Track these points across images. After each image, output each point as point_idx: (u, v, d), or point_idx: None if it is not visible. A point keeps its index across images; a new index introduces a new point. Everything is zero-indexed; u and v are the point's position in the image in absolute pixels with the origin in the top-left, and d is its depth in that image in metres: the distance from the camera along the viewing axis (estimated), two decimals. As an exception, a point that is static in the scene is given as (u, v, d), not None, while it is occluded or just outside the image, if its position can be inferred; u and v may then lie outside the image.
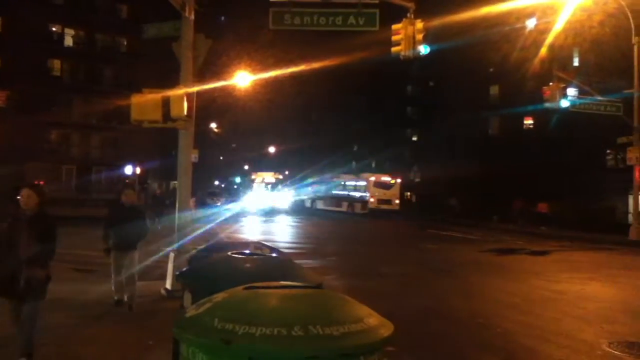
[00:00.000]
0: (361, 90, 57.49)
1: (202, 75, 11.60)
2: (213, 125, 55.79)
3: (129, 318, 7.46)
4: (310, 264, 12.98)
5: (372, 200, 41.22)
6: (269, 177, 48.03)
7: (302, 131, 69.85)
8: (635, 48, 22.95)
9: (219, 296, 2.36)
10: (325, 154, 59.33)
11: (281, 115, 65.61)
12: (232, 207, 40.31)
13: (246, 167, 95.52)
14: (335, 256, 15.77)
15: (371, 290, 10.16)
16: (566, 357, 6.35)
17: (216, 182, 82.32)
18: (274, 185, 47.06)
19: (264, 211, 40.74)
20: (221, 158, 76.57)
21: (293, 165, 64.34)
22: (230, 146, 73.82)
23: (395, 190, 42.79)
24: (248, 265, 3.48)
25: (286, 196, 47.97)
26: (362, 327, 2.18)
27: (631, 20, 22.73)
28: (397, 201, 42.49)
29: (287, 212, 42.14)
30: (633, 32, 22.93)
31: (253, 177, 49.11)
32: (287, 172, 58.30)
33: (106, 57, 45.02)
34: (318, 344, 2.04)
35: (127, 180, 38.64)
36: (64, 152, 44.00)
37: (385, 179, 43.10)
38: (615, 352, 6.44)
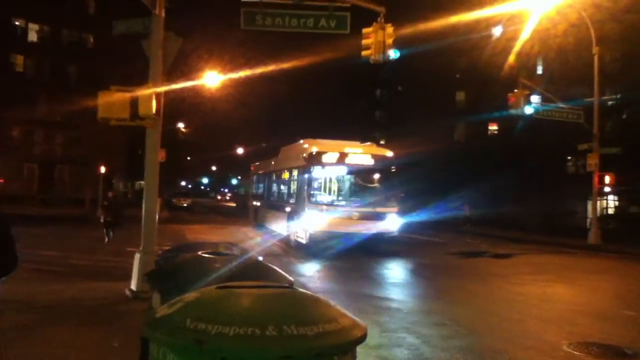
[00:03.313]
0: (331, 93, 57.76)
1: (171, 73, 11.46)
2: (181, 125, 55.09)
3: (92, 319, 7.29)
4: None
5: None
6: (359, 153, 18.26)
7: (270, 132, 69.68)
8: (596, 58, 23.69)
9: (191, 296, 2.32)
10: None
11: (250, 116, 65.35)
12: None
13: (214, 167, 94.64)
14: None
15: (341, 291, 10.22)
16: (529, 357, 6.48)
17: (183, 183, 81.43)
18: (371, 175, 18.56)
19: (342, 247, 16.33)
20: (188, 158, 75.70)
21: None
22: (198, 146, 72.97)
23: None
24: (219, 265, 3.44)
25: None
26: (335, 327, 2.18)
27: (592, 31, 23.45)
28: None
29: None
30: (594, 42, 23.66)
31: (313, 150, 17.74)
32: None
33: (72, 53, 44.03)
34: (292, 344, 2.03)
35: None
36: (26, 149, 42.84)
37: None
38: (575, 352, 6.62)
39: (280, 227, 20.08)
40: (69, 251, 14.14)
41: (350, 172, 18.05)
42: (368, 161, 17.84)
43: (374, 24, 12.97)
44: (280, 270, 3.66)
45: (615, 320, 8.86)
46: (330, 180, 18.40)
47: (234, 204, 58.36)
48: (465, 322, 8.20)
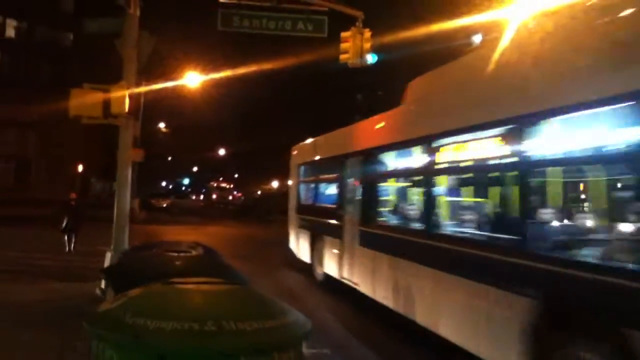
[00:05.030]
0: (312, 97, 57.72)
1: (149, 73, 11.40)
2: (161, 125, 54.40)
3: (56, 320, 7.19)
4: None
5: (214, 197, 71.54)
6: None
7: (251, 135, 69.43)
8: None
9: (135, 291, 2.31)
10: (273, 158, 59.10)
11: (229, 118, 65.03)
12: None
13: (195, 168, 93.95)
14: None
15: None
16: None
17: (163, 184, 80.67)
18: None
19: None
20: (169, 158, 74.83)
21: (240, 169, 73.29)
22: (179, 146, 72.19)
23: (230, 193, 75.71)
24: (176, 262, 3.44)
25: None
26: (276, 323, 2.18)
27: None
28: (230, 198, 71.38)
29: None
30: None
31: None
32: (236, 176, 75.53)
33: (48, 51, 43.33)
34: (230, 340, 2.02)
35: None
36: (1, 149, 42.00)
37: (223, 185, 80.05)
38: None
39: (459, 326, 5.73)
40: (41, 252, 13.90)
41: None
42: None
43: (352, 28, 13.04)
44: (239, 270, 3.67)
45: None
46: None
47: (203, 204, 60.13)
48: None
